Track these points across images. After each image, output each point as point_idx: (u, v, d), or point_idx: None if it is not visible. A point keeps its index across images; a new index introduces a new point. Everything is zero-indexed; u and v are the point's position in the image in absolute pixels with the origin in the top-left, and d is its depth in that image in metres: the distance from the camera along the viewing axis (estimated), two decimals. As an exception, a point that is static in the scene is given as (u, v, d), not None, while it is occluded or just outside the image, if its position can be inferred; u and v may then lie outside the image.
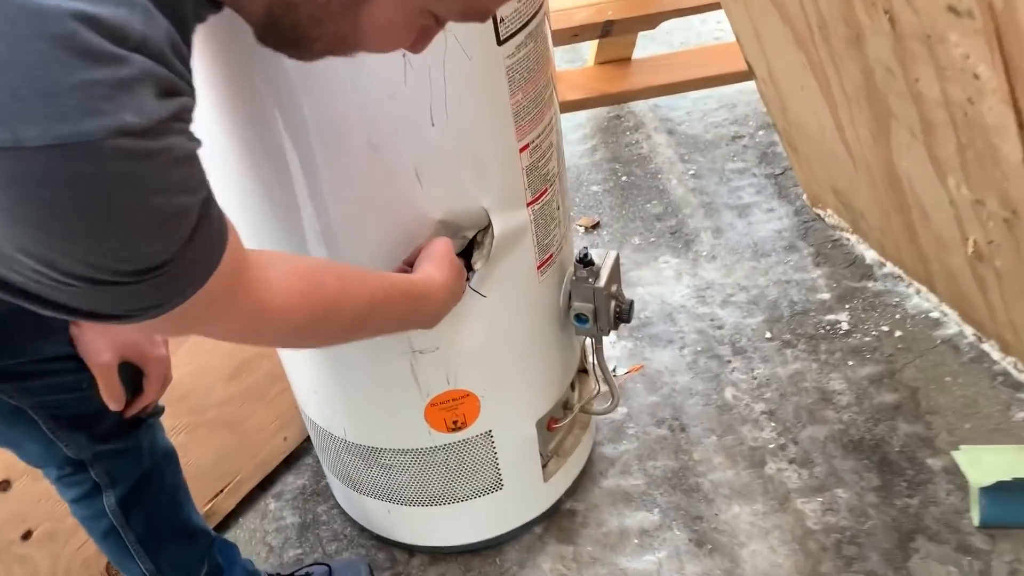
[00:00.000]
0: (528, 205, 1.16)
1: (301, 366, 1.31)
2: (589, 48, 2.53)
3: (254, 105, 0.98)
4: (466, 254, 1.16)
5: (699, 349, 1.84)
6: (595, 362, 1.42)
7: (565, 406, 1.46)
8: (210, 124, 1.01)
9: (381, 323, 0.94)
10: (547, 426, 1.41)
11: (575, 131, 2.64)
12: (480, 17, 0.69)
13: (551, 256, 1.24)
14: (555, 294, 1.28)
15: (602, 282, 1.25)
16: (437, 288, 1.00)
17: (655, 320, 1.93)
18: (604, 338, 1.37)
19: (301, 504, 1.62)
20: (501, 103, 1.06)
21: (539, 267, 1.22)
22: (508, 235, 1.14)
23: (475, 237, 1.15)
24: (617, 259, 1.30)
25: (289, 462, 1.68)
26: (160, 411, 1.14)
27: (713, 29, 3.03)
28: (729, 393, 1.73)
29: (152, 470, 1.12)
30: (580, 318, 1.29)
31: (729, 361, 1.80)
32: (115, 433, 1.04)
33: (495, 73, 1.03)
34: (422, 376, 1.22)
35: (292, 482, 1.66)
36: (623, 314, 1.30)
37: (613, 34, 2.15)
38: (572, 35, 2.12)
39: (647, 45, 2.95)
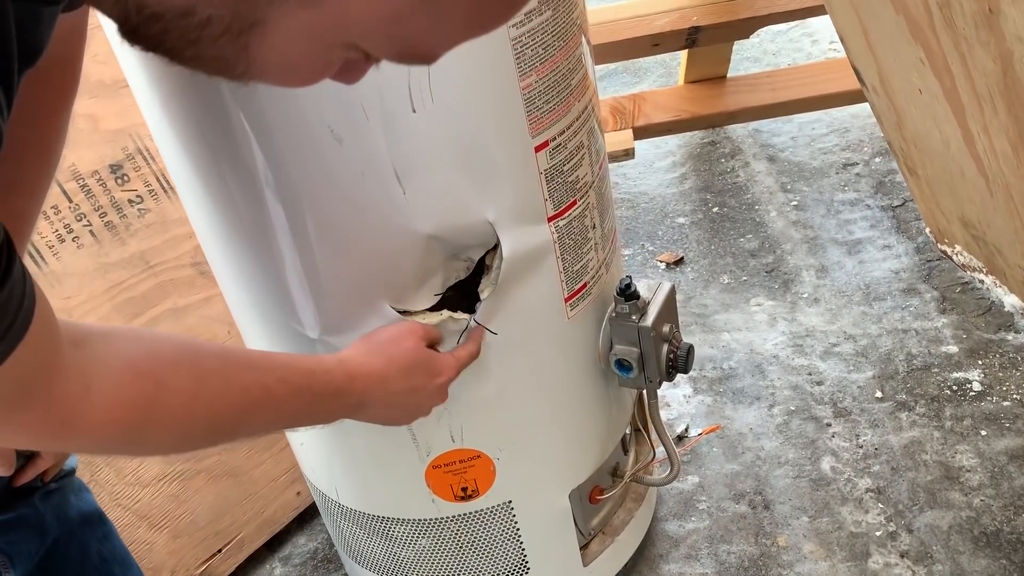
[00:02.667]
0: (550, 220, 0.92)
1: (285, 412, 1.10)
2: (679, 64, 2.28)
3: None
4: (473, 280, 0.93)
5: (792, 408, 1.54)
6: (649, 420, 1.15)
7: (614, 473, 1.19)
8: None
9: (259, 426, 0.73)
10: (589, 497, 1.15)
11: (663, 158, 2.38)
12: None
13: (584, 286, 0.99)
14: (591, 334, 1.03)
15: (650, 320, 0.99)
16: (364, 378, 0.79)
17: (740, 372, 1.64)
18: (663, 391, 1.11)
19: (310, 571, 1.40)
20: (507, 87, 0.83)
21: (568, 299, 0.98)
22: (523, 257, 0.91)
23: (484, 259, 0.92)
24: (672, 293, 1.04)
25: (302, 521, 1.47)
26: (67, 473, 0.95)
27: (825, 50, 2.72)
28: (827, 464, 1.42)
29: (65, 541, 0.92)
30: (622, 365, 1.03)
31: (829, 424, 1.49)
32: (3, 502, 0.86)
33: (497, 47, 0.81)
34: (420, 432, 0.99)
35: (303, 545, 1.45)
36: (677, 362, 1.03)
37: (700, 43, 1.89)
38: (652, 44, 1.87)
39: (749, 67, 2.67)
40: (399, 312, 0.90)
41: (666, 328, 1.03)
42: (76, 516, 0.95)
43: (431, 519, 1.06)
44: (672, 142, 2.43)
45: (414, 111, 0.79)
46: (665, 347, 1.03)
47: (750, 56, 2.76)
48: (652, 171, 2.33)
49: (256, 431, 0.72)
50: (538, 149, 0.88)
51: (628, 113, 2.19)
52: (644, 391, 1.10)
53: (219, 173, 0.86)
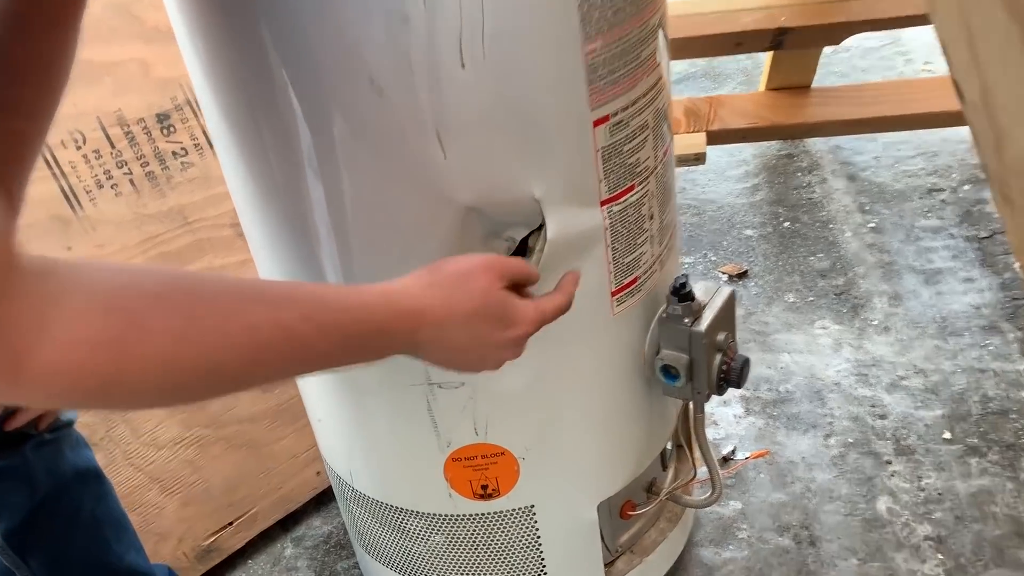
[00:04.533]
0: (603, 204, 0.84)
1: (308, 383, 1.03)
2: (761, 73, 2.17)
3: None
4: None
5: (850, 441, 1.42)
6: (693, 435, 1.06)
7: (649, 489, 1.10)
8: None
9: (275, 372, 0.59)
10: (620, 511, 1.06)
11: (736, 167, 2.27)
12: None
13: (635, 281, 0.91)
14: (637, 334, 0.95)
15: (703, 325, 0.91)
16: (415, 317, 0.65)
17: (797, 396, 1.53)
18: (711, 407, 1.01)
19: (321, 556, 1.34)
20: (569, 49, 0.75)
21: (615, 294, 0.89)
22: (570, 242, 0.83)
23: (526, 241, 0.84)
24: (731, 299, 0.95)
25: (319, 502, 1.41)
26: (66, 424, 0.90)
27: (918, 70, 2.58)
28: (883, 504, 1.31)
29: (55, 497, 0.87)
30: (669, 372, 0.94)
31: (889, 462, 1.37)
32: None
33: (562, 3, 0.73)
34: (442, 420, 0.91)
35: (318, 527, 1.39)
36: (731, 374, 0.94)
37: (786, 46, 1.79)
38: (735, 43, 1.77)
39: (835, 83, 2.54)
40: (430, 288, 0.83)
41: (721, 336, 0.94)
42: (70, 471, 0.90)
43: (447, 515, 0.99)
44: (747, 151, 2.32)
45: (463, 66, 0.71)
46: (718, 357, 0.94)
47: (838, 71, 2.63)
48: (723, 179, 2.23)
49: (273, 377, 0.58)
50: (597, 123, 0.79)
51: (703, 116, 2.09)
52: (690, 403, 1.01)
53: (255, 125, 0.80)
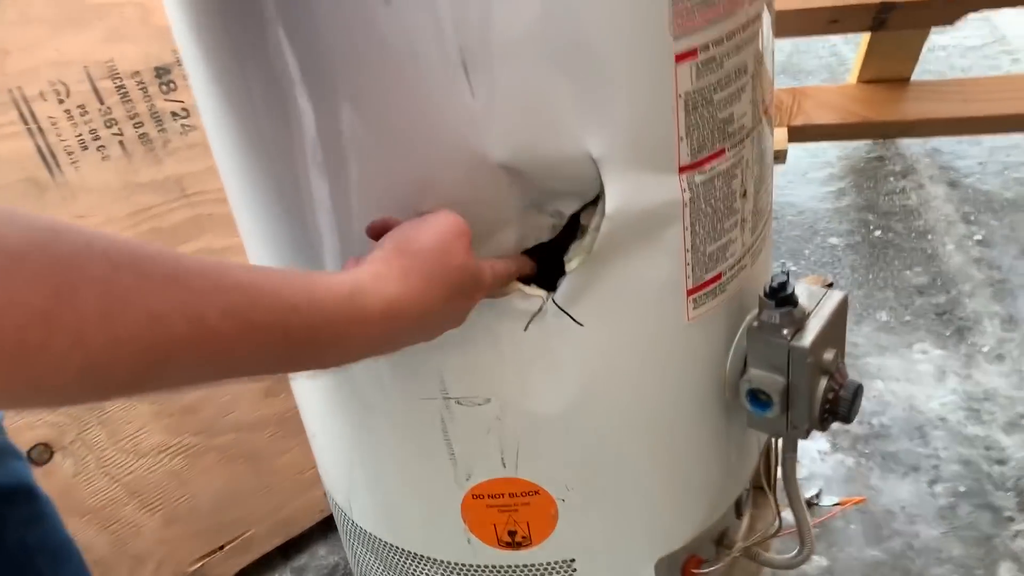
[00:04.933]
0: (683, 171, 0.63)
1: (299, 388, 0.84)
2: (848, 71, 1.94)
3: None
4: (559, 245, 0.65)
5: (962, 490, 1.19)
6: (779, 478, 0.84)
7: (720, 541, 0.89)
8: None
9: (187, 376, 0.43)
10: (682, 570, 0.85)
11: (819, 169, 2.03)
12: None
13: (718, 278, 0.70)
14: (718, 347, 0.73)
15: (808, 339, 0.69)
16: (391, 317, 0.51)
17: (895, 432, 1.29)
18: (801, 441, 0.79)
19: (325, 591, 1.15)
20: (646, -49, 0.55)
21: (692, 292, 0.68)
22: (636, 220, 0.62)
23: (578, 217, 0.64)
24: (843, 307, 0.73)
25: (326, 528, 1.22)
26: None
27: (1030, 70, 2.31)
28: (1006, 572, 1.07)
29: None
30: (758, 398, 0.72)
31: (1011, 519, 1.13)
32: None
33: None
34: (461, 445, 0.71)
35: (323, 558, 1.20)
36: (839, 405, 0.72)
37: (890, 25, 1.55)
38: (830, 21, 1.54)
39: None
40: (450, 274, 0.63)
41: (829, 355, 0.72)
42: None
43: (465, 565, 0.79)
44: (831, 152, 2.08)
45: (500, -36, 0.52)
46: (824, 382, 0.72)
47: (934, 70, 2.38)
48: (805, 181, 2.00)
49: (183, 383, 0.43)
50: (680, 59, 0.59)
51: (785, 108, 1.86)
52: (780, 440, 0.79)
53: (239, 64, 0.61)
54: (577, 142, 0.58)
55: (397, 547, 0.82)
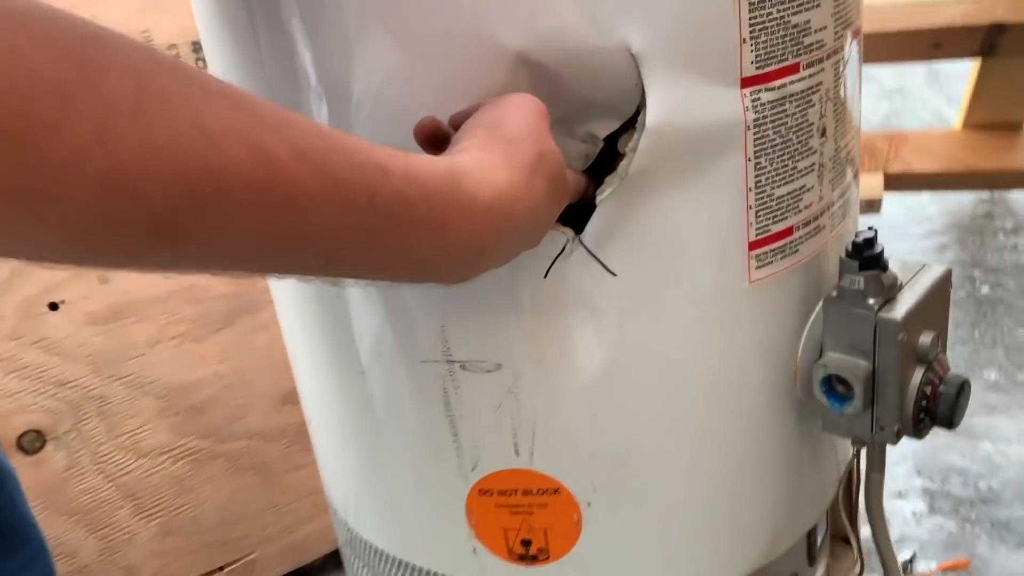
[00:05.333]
0: (745, 84, 0.51)
1: (298, 359, 0.73)
2: (961, 101, 1.79)
3: None
4: (592, 176, 0.53)
5: (1089, 567, 0.99)
6: (862, 506, 0.68)
7: (786, 587, 0.73)
8: None
9: (229, 222, 0.31)
10: (738, 617, 0.69)
11: (918, 223, 1.87)
12: None
13: (788, 232, 0.57)
14: (786, 322, 0.60)
15: (900, 311, 0.55)
16: (482, 192, 0.40)
17: (1006, 498, 1.11)
18: (893, 499, 0.64)
19: (332, 629, 1.02)
20: None
21: (754, 247, 0.56)
22: (685, 140, 0.51)
23: (615, 143, 0.53)
24: (945, 282, 0.59)
25: (341, 562, 1.09)
26: None
27: None
28: None
29: None
30: (835, 389, 0.58)
31: None
32: None
33: None
34: (465, 424, 0.59)
35: (336, 589, 1.07)
36: (939, 403, 0.58)
37: (1001, 51, 1.41)
38: (932, 45, 1.41)
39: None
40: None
41: (926, 338, 0.58)
42: None
43: (468, 582, 0.66)
44: (930, 207, 1.92)
45: None
46: (919, 372, 0.57)
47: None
48: (902, 235, 1.83)
49: (247, 240, 0.32)
50: (742, -67, 0.48)
51: (881, 154, 1.72)
52: (863, 450, 0.64)
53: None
54: (612, 29, 0.48)
55: (390, 556, 0.69)
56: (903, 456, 1.19)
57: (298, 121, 0.34)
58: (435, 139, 0.46)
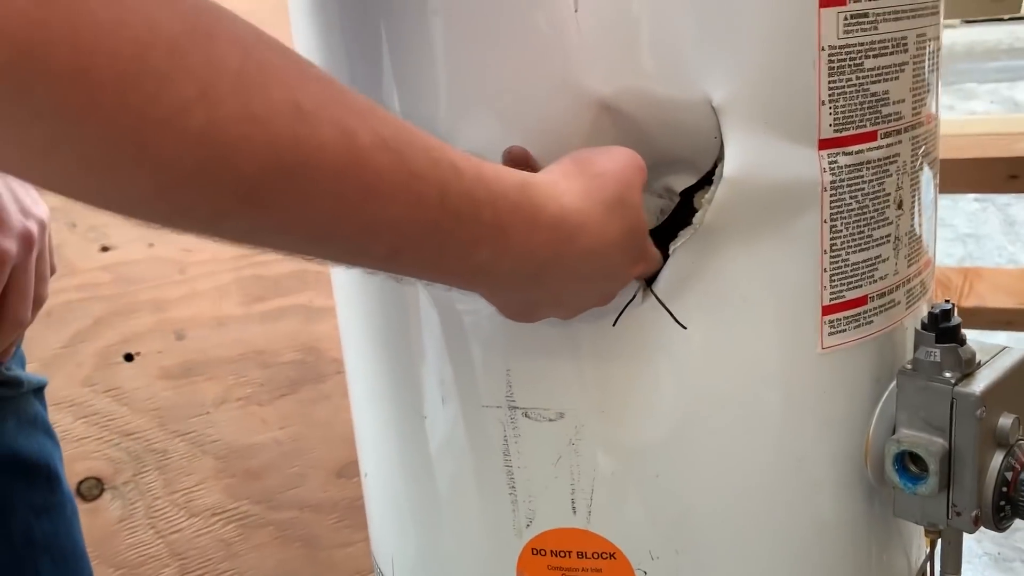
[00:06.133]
0: (824, 146, 0.52)
1: (360, 403, 0.73)
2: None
3: None
4: (667, 232, 0.54)
5: None
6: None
7: None
8: None
9: (313, 199, 0.33)
10: None
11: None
12: None
13: (864, 301, 0.56)
14: (858, 398, 0.58)
15: (980, 386, 0.54)
16: (548, 206, 0.42)
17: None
18: (968, 547, 0.61)
19: None
20: None
21: (828, 312, 0.55)
22: (761, 194, 0.52)
23: (691, 197, 0.54)
24: (1026, 365, 0.58)
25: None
26: (28, 385, 0.65)
27: None
28: None
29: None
30: (907, 466, 0.56)
31: None
32: None
33: None
34: (523, 476, 0.58)
35: None
36: (1020, 490, 0.55)
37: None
38: (1009, 176, 1.41)
39: None
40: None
41: (1006, 420, 0.56)
42: (5, 454, 0.64)
43: (515, 654, 0.63)
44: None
45: None
46: (1000, 456, 0.55)
47: None
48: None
49: (321, 214, 0.34)
50: (825, 2, 0.50)
51: (955, 289, 1.69)
52: (941, 540, 0.61)
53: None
54: (695, 81, 0.50)
55: (436, 618, 0.67)
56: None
57: (382, 112, 0.36)
58: (522, 167, 0.48)
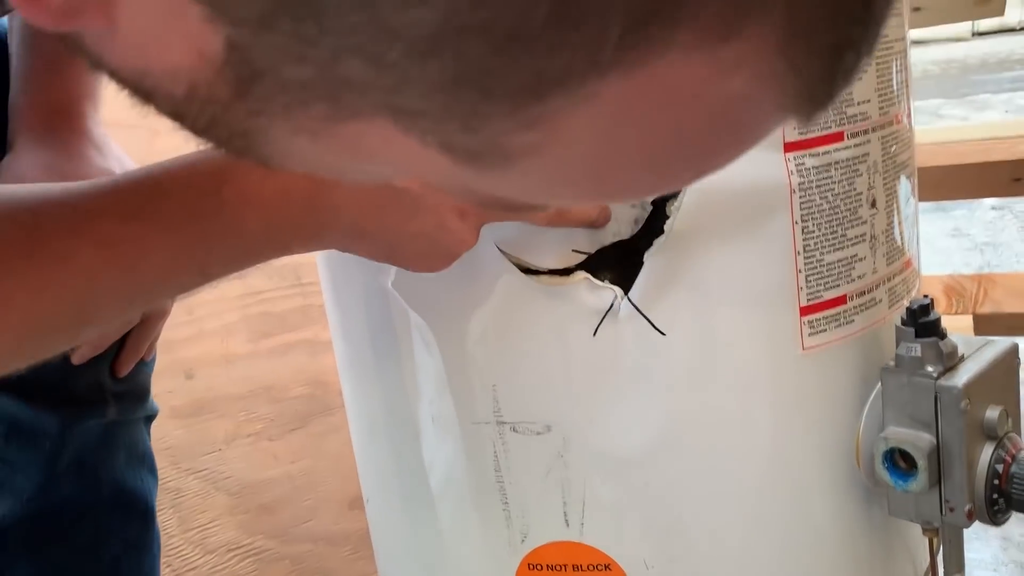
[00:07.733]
0: (789, 149, 0.53)
1: (357, 437, 0.74)
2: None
3: None
4: (639, 242, 0.55)
5: None
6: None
7: None
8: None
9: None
10: None
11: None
12: None
13: (842, 300, 0.57)
14: (845, 394, 0.58)
15: (962, 379, 0.54)
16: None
17: None
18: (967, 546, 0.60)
19: None
20: None
21: (806, 311, 0.56)
22: (729, 198, 0.53)
23: (663, 207, 0.55)
24: (1010, 357, 0.58)
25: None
26: (142, 412, 0.67)
27: None
28: None
29: (74, 509, 0.62)
30: (897, 463, 0.56)
31: None
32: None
33: None
34: (516, 491, 0.59)
35: None
36: (1011, 483, 0.55)
37: (1088, 185, 1.39)
38: (1013, 179, 1.40)
39: None
40: (512, 259, 0.55)
41: (993, 412, 0.55)
42: (112, 485, 0.65)
43: (517, 672, 0.63)
44: (1030, 354, 1.83)
45: None
46: (989, 449, 0.55)
47: None
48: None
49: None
50: None
51: (968, 296, 1.68)
52: (939, 538, 0.61)
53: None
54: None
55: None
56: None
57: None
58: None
